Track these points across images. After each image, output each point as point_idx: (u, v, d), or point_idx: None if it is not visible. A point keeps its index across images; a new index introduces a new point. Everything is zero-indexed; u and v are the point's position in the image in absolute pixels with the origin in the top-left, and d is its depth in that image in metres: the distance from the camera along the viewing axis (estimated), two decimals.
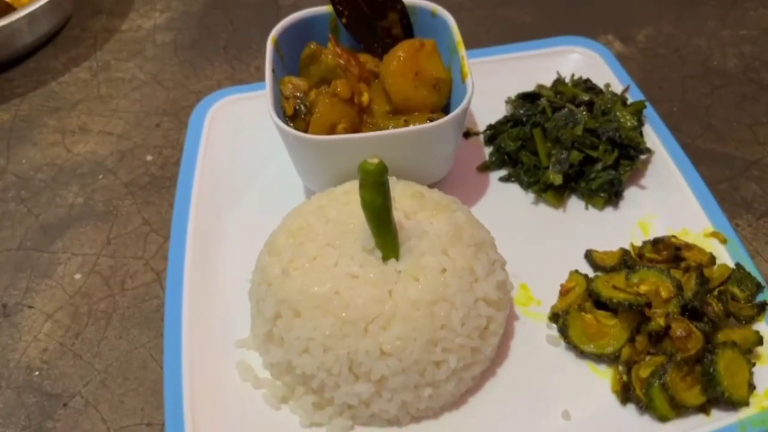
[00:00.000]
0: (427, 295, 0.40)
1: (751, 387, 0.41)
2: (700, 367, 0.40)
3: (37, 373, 0.47)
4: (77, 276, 0.52)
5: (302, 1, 0.78)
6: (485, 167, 0.57)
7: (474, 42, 0.64)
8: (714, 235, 0.49)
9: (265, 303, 0.42)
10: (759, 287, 0.45)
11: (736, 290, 0.45)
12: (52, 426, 0.44)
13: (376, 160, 0.39)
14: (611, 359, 0.43)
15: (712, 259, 0.47)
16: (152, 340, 0.48)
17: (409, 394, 0.40)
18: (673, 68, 0.68)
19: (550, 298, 0.47)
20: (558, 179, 0.52)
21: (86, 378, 0.46)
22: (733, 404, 0.40)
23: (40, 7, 0.67)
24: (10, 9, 0.68)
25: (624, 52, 0.70)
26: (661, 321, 0.42)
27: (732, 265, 0.47)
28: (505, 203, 0.54)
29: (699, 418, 0.40)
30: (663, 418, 0.40)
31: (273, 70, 0.52)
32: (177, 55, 0.72)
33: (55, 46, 0.73)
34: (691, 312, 0.43)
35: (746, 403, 0.40)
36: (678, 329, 0.41)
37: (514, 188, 0.55)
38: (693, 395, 0.40)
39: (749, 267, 0.46)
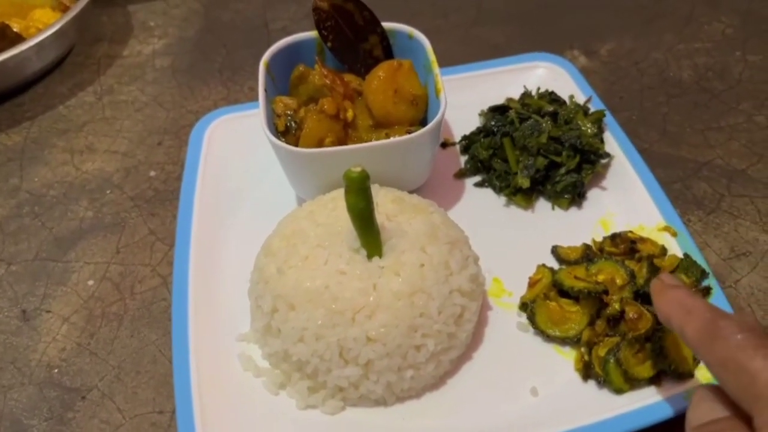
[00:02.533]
0: (407, 288, 0.45)
1: (696, 361, 0.46)
2: (650, 344, 0.46)
3: (56, 370, 0.51)
4: (90, 282, 0.57)
5: (290, 26, 0.84)
6: (461, 174, 0.62)
7: (451, 60, 0.70)
8: (666, 229, 0.54)
9: (263, 299, 0.47)
10: (704, 274, 0.50)
11: (683, 277, 0.50)
12: (72, 416, 0.49)
13: (359, 169, 0.44)
14: (574, 341, 0.48)
15: (664, 250, 0.52)
16: (161, 338, 0.53)
17: (393, 375, 0.45)
18: (632, 80, 0.74)
19: (520, 290, 0.52)
20: (526, 183, 0.57)
21: (102, 373, 0.51)
22: (679, 376, 0.45)
23: (47, 37, 0.72)
24: (19, 39, 0.73)
25: (588, 65, 0.76)
26: (617, 306, 0.47)
27: (681, 256, 0.52)
28: (479, 206, 0.60)
29: (650, 390, 0.45)
30: (618, 391, 0.45)
31: (265, 91, 0.57)
32: (175, 78, 0.78)
33: (61, 72, 0.79)
34: (643, 297, 0.48)
35: (691, 375, 0.45)
36: (631, 312, 0.46)
37: (488, 192, 0.61)
38: (644, 369, 0.45)
39: (696, 256, 0.51)
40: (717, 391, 0.35)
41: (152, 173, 0.66)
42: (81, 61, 0.80)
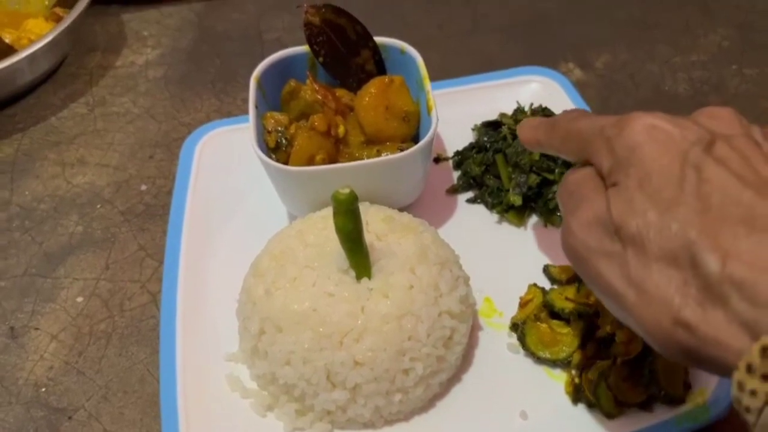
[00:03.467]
0: (395, 310, 0.45)
1: (687, 386, 0.45)
2: (641, 369, 0.45)
3: (43, 389, 0.51)
4: (79, 299, 0.57)
5: (284, 36, 0.83)
6: (453, 190, 0.62)
7: (445, 71, 0.70)
8: None
9: (251, 320, 0.47)
10: None
11: None
12: None
13: (347, 190, 0.44)
14: (564, 364, 0.48)
15: None
16: (149, 357, 0.52)
17: (382, 399, 0.45)
18: (627, 93, 0.73)
19: (511, 310, 0.52)
20: (518, 201, 0.57)
21: (89, 393, 0.51)
22: (670, 401, 0.45)
23: (40, 48, 0.72)
24: (11, 50, 0.73)
25: (583, 78, 0.75)
26: (608, 328, 0.47)
27: None
28: (471, 223, 0.59)
29: (641, 414, 0.45)
30: (609, 415, 0.45)
31: (256, 107, 0.57)
32: (168, 89, 0.77)
33: (53, 83, 0.78)
34: None
35: (683, 401, 0.45)
36: (621, 335, 0.46)
37: (480, 209, 0.60)
38: (635, 394, 0.45)
39: None
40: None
41: (143, 187, 0.66)
42: (74, 71, 0.80)
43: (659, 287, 0.29)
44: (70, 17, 0.74)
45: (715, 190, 0.29)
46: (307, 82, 0.59)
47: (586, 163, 0.36)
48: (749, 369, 0.25)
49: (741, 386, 0.26)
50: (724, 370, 0.27)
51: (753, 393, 0.25)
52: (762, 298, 0.26)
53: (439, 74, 0.60)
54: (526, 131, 0.44)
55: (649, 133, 0.32)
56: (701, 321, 0.27)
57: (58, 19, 0.78)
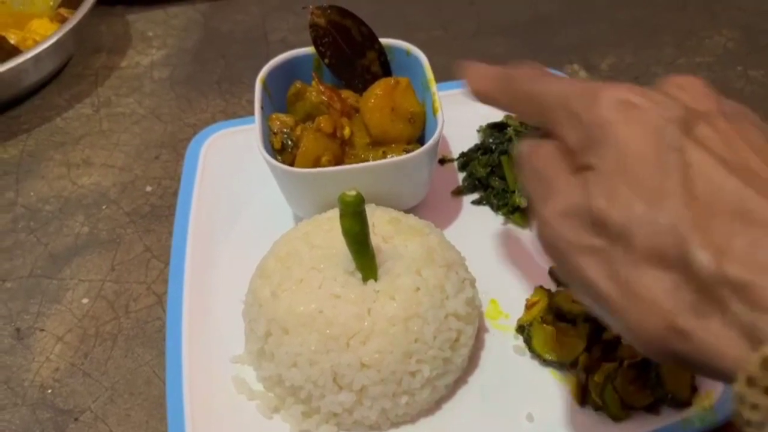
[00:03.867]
0: (402, 312, 0.45)
1: (693, 389, 0.45)
2: (648, 372, 0.45)
3: (49, 390, 0.51)
4: (85, 300, 0.57)
5: (289, 37, 0.83)
6: (459, 192, 0.62)
7: (450, 73, 0.69)
8: None
9: (257, 322, 0.47)
10: None
11: None
12: None
13: (354, 192, 0.44)
14: (571, 366, 0.48)
15: None
16: (155, 359, 0.52)
17: (388, 401, 0.45)
18: None
19: (518, 312, 0.52)
20: (523, 203, 0.57)
21: (95, 394, 0.51)
22: (677, 404, 0.45)
23: (45, 49, 0.72)
24: (16, 51, 0.73)
25: (588, 80, 0.75)
26: (615, 331, 0.47)
27: None
28: (477, 225, 0.59)
29: (648, 417, 0.45)
30: (615, 418, 0.45)
31: (262, 108, 0.57)
32: (173, 90, 0.77)
33: (58, 83, 0.78)
34: None
35: (689, 404, 0.45)
36: None
37: (486, 210, 0.60)
38: (641, 397, 0.45)
39: None
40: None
41: (149, 188, 0.66)
42: (79, 72, 0.80)
43: (650, 289, 0.26)
44: (75, 18, 0.74)
45: (699, 177, 0.26)
46: (313, 83, 0.59)
47: (546, 131, 0.33)
48: (750, 382, 0.23)
49: (741, 399, 0.24)
50: (723, 377, 0.26)
51: (755, 407, 0.23)
52: (762, 302, 0.24)
53: (444, 76, 0.60)
54: (475, 80, 0.38)
55: (622, 110, 0.28)
56: (697, 327, 0.25)
57: (63, 20, 0.78)
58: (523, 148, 0.34)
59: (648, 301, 0.26)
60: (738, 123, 0.29)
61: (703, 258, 0.25)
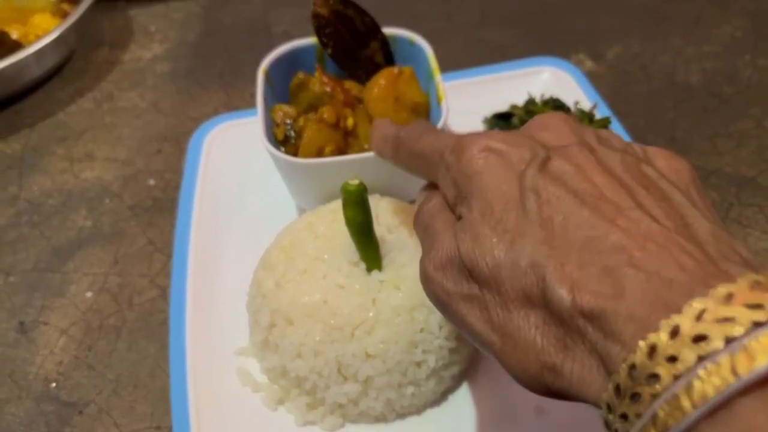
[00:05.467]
0: (407, 302, 0.44)
1: None
2: None
3: (54, 384, 0.51)
4: (88, 294, 0.56)
5: (292, 29, 0.83)
6: None
7: (455, 63, 0.69)
8: None
9: (261, 313, 0.47)
10: None
11: None
12: (69, 431, 0.48)
13: (356, 181, 0.43)
14: None
15: None
16: (159, 351, 0.52)
17: (393, 392, 0.44)
18: (640, 84, 0.72)
19: None
20: None
21: (99, 387, 0.50)
22: None
23: (47, 44, 0.71)
24: (18, 46, 0.73)
25: (595, 70, 0.74)
26: None
27: None
28: None
29: None
30: None
31: (264, 99, 0.56)
32: (175, 84, 0.77)
33: (61, 78, 0.78)
34: None
35: None
36: None
37: None
38: None
39: None
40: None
41: (151, 181, 0.65)
42: (81, 66, 0.80)
43: (521, 329, 0.27)
44: (77, 12, 0.74)
45: (556, 212, 0.27)
46: (316, 74, 0.58)
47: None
48: (609, 409, 0.23)
49: (608, 425, 0.24)
50: (597, 407, 0.25)
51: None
52: (611, 328, 0.23)
53: (449, 67, 0.59)
54: (376, 140, 0.42)
55: (486, 158, 0.30)
56: (565, 361, 0.25)
57: (65, 15, 0.77)
58: (420, 203, 0.35)
59: (522, 342, 0.27)
60: (599, 149, 0.29)
61: (560, 293, 0.25)
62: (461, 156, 0.31)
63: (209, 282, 0.53)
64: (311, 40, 0.60)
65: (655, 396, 0.22)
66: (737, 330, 0.20)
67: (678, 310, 0.22)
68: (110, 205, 0.64)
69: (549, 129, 0.32)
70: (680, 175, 0.29)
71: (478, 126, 0.65)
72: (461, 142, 0.31)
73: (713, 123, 0.67)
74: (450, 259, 0.30)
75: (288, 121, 0.56)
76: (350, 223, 0.44)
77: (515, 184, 0.29)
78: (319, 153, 0.54)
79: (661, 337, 0.22)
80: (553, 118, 0.32)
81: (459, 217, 0.31)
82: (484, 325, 0.28)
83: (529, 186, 0.28)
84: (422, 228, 0.34)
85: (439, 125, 0.52)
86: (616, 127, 0.61)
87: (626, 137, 0.61)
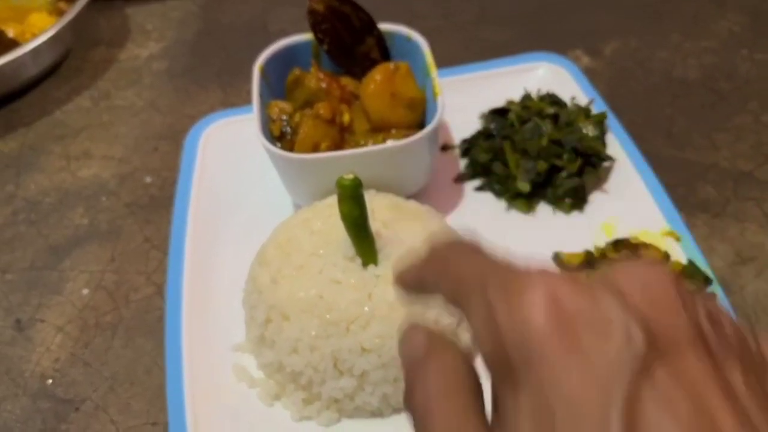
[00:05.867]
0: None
1: None
2: None
3: (50, 381, 0.51)
4: (85, 291, 0.56)
5: (289, 28, 0.83)
6: (461, 178, 0.61)
7: (452, 61, 0.69)
8: (670, 234, 0.53)
9: (257, 309, 0.46)
10: (707, 281, 0.49)
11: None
12: (66, 428, 0.48)
13: (351, 176, 0.43)
14: None
15: (667, 256, 0.51)
16: (155, 348, 0.52)
17: (389, 387, 0.44)
18: (637, 80, 0.72)
19: None
20: (526, 188, 0.56)
21: (96, 384, 0.50)
22: None
23: (43, 42, 0.71)
24: (14, 44, 0.73)
25: (592, 65, 0.74)
26: None
27: (685, 262, 0.51)
28: (479, 211, 0.58)
29: None
30: None
31: (260, 96, 0.56)
32: (172, 82, 0.77)
33: (57, 77, 0.78)
34: None
35: None
36: None
37: (488, 197, 0.59)
38: None
39: (700, 262, 0.50)
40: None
41: (148, 179, 0.65)
42: (78, 65, 0.80)
43: None
44: (74, 11, 0.74)
45: None
46: (312, 70, 0.58)
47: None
48: None
49: None
50: None
51: None
52: None
53: (446, 64, 0.59)
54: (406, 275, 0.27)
55: (555, 321, 0.19)
56: None
57: (62, 13, 0.77)
58: (402, 342, 0.24)
59: None
60: (717, 350, 0.20)
61: None
62: (513, 298, 0.20)
63: (205, 278, 0.53)
64: (307, 36, 0.60)
65: None
66: None
67: None
68: (107, 203, 0.63)
69: (648, 290, 0.20)
70: None
71: (475, 122, 0.64)
72: (516, 276, 0.21)
73: (711, 118, 0.67)
74: None
75: (284, 117, 0.56)
76: (345, 217, 0.44)
77: (594, 388, 0.18)
78: (315, 149, 0.54)
79: None
80: (655, 273, 0.21)
81: (494, 402, 0.21)
82: None
83: (618, 401, 0.18)
84: (417, 416, 0.22)
85: (435, 121, 0.52)
86: (613, 123, 0.61)
87: (623, 133, 0.61)
